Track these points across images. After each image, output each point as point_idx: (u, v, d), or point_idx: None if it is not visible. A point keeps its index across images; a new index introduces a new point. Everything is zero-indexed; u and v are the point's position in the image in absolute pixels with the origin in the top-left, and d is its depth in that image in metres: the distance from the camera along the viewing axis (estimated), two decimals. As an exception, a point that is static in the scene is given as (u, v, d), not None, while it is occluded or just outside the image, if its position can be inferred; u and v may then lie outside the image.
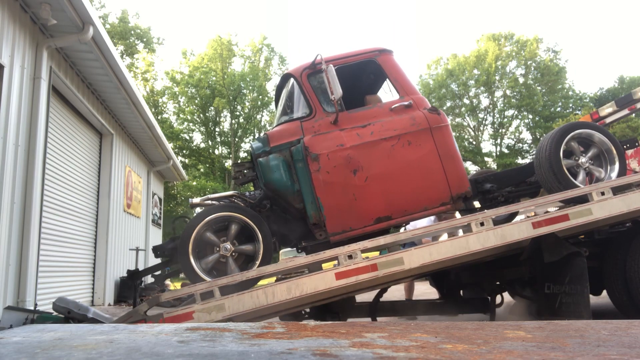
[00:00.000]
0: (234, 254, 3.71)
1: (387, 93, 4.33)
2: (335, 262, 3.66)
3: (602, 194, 3.72)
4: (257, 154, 3.92)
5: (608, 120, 6.56)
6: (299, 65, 4.19)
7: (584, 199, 3.74)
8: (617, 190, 3.80)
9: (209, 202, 4.01)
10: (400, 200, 3.84)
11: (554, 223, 3.60)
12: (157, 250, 4.01)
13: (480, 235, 3.49)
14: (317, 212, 3.74)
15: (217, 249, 3.70)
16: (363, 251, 3.41)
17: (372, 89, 4.70)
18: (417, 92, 4.20)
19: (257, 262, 3.61)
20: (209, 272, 3.64)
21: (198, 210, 4.12)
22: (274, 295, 3.23)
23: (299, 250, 4.24)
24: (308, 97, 4.03)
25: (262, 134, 4.24)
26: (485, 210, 3.81)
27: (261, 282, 3.56)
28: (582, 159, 4.12)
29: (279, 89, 4.64)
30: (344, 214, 3.76)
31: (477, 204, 4.31)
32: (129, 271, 4.22)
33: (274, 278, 4.02)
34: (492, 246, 3.49)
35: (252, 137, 36.09)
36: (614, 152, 4.11)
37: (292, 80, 4.26)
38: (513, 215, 4.42)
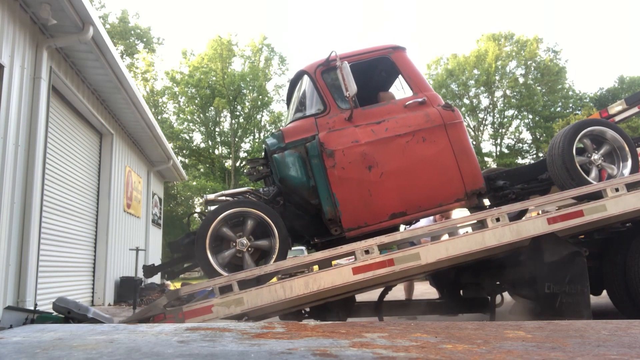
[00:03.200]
0: (250, 249, 3.73)
1: (399, 90, 4.35)
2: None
3: (617, 190, 3.71)
4: (272, 150, 3.93)
5: (617, 118, 6.52)
6: (313, 62, 4.20)
7: (597, 196, 3.74)
8: (630, 187, 3.78)
9: (223, 198, 4.03)
10: (414, 196, 3.84)
11: (569, 219, 3.60)
12: (173, 246, 4.04)
13: (496, 231, 3.51)
14: (332, 208, 3.75)
15: (234, 244, 3.71)
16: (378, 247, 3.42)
17: (384, 86, 4.70)
18: (431, 89, 4.20)
19: (274, 257, 3.63)
20: (224, 267, 3.66)
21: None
22: (291, 289, 3.26)
23: (310, 248, 4.23)
24: (322, 93, 4.04)
25: (276, 131, 4.24)
26: (501, 207, 3.81)
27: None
28: (595, 156, 4.11)
29: (292, 86, 4.64)
30: (359, 210, 3.77)
31: (486, 201, 4.30)
32: (144, 266, 4.23)
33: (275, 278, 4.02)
34: (508, 242, 3.51)
35: (252, 137, 36.08)
36: (627, 149, 4.10)
37: (306, 77, 4.26)
38: (523, 212, 4.42)
